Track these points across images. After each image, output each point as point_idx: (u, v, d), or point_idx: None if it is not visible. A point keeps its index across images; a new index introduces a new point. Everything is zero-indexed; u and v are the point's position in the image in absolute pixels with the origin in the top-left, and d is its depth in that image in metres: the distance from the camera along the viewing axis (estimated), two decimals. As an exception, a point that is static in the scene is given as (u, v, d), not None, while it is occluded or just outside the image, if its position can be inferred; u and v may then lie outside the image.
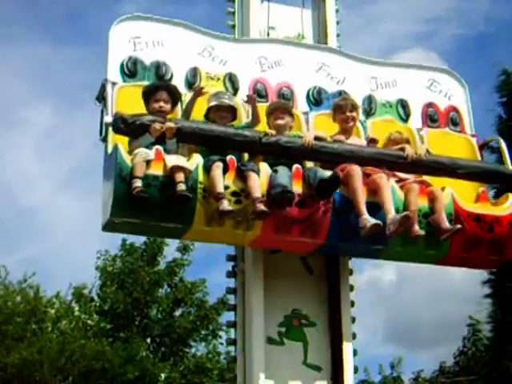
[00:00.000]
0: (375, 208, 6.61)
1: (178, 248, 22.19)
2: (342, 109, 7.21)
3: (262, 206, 6.30)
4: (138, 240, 22.03)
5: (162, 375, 19.67)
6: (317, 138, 6.81)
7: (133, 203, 6.18)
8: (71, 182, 42.63)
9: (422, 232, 6.70)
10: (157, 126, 6.39)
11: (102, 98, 6.94)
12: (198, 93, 6.87)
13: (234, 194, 6.42)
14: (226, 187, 6.40)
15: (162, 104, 6.73)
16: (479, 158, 7.88)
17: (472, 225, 7.02)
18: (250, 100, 6.98)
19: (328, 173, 6.58)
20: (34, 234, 36.61)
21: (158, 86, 6.82)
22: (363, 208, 6.49)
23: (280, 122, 7.00)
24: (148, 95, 6.77)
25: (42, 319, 19.01)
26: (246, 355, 7.13)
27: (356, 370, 7.36)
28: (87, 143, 39.52)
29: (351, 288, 7.50)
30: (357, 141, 7.21)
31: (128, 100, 6.96)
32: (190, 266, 22.20)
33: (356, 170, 6.68)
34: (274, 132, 6.76)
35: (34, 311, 18.83)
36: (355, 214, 6.62)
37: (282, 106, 7.17)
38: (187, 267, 22.17)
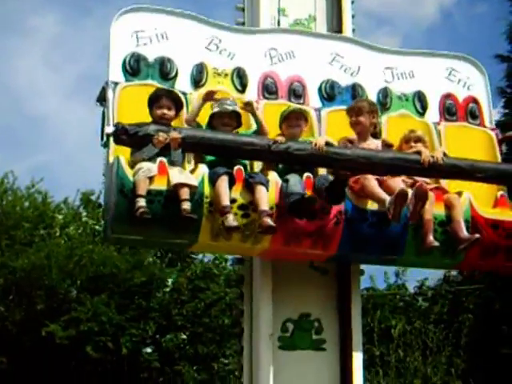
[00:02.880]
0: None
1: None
2: (350, 113, 6.86)
3: (269, 221, 6.01)
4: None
5: (169, 280, 19.55)
6: (328, 144, 6.48)
7: (135, 220, 5.86)
8: (80, 91, 42.36)
9: (437, 243, 6.42)
10: (160, 137, 6.07)
11: (103, 100, 6.62)
12: (208, 97, 6.53)
13: (241, 207, 6.13)
14: (233, 200, 6.11)
15: (165, 111, 6.41)
16: (498, 153, 7.55)
17: (489, 232, 6.72)
18: (247, 108, 6.63)
19: None
20: (42, 142, 36.66)
21: (160, 94, 6.47)
22: (385, 195, 6.24)
23: (294, 130, 6.68)
24: (151, 102, 6.45)
25: (50, 224, 19.01)
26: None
27: (362, 272, 7.26)
28: (95, 51, 39.08)
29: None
30: (374, 144, 6.86)
31: (131, 101, 6.63)
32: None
33: (370, 178, 6.42)
34: (283, 139, 6.40)
35: (42, 216, 18.84)
36: (368, 224, 6.38)
37: (297, 112, 6.78)
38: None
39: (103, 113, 6.61)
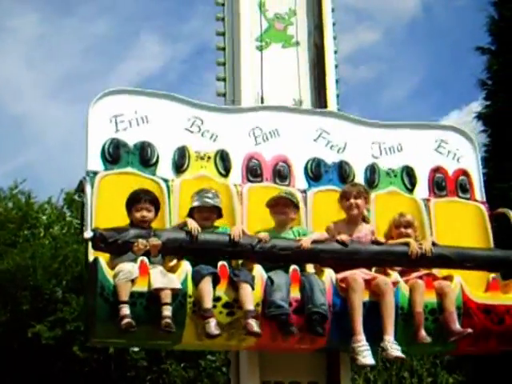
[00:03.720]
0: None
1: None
2: (346, 195, 6.67)
3: (254, 326, 5.83)
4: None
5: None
6: (315, 242, 6.30)
7: (123, 330, 5.63)
8: (61, 90, 42.23)
9: (429, 339, 6.26)
10: (140, 245, 5.86)
11: (81, 191, 6.41)
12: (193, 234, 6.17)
13: (226, 305, 5.92)
14: (218, 298, 5.92)
15: (144, 213, 6.21)
16: (489, 227, 7.39)
17: (481, 317, 6.56)
18: None
19: (321, 284, 6.11)
20: (24, 142, 36.46)
21: (138, 196, 6.27)
22: (359, 327, 6.07)
23: (281, 217, 6.51)
24: (130, 204, 6.25)
25: (34, 225, 18.64)
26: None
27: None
28: (76, 50, 38.97)
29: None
30: (365, 229, 6.68)
31: (111, 190, 6.47)
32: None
33: (358, 283, 6.20)
34: (267, 237, 6.21)
35: (25, 217, 18.45)
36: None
37: (286, 199, 6.56)
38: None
39: (82, 205, 6.38)
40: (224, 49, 7.94)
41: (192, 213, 6.40)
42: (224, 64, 7.87)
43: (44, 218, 19.13)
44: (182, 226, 6.19)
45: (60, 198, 19.56)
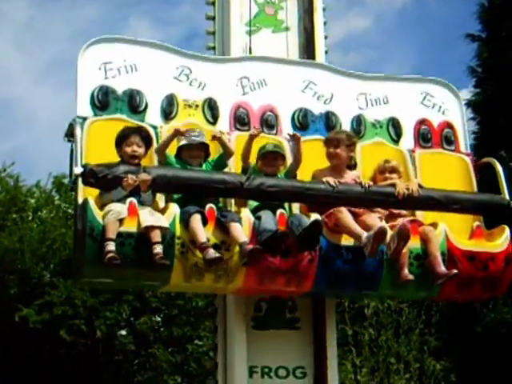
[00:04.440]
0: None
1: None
2: (327, 144, 6.75)
3: (250, 246, 5.93)
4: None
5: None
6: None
7: (105, 264, 5.74)
8: (51, 74, 42.06)
9: (412, 277, 6.35)
10: (129, 180, 5.91)
11: (71, 136, 6.45)
12: (177, 133, 6.38)
13: (214, 247, 5.97)
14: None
15: (135, 148, 6.25)
16: (474, 179, 7.47)
17: (466, 264, 6.65)
18: (216, 139, 6.50)
19: (308, 221, 6.16)
20: (13, 126, 36.31)
21: (129, 132, 6.32)
22: (360, 230, 6.19)
23: (271, 169, 6.58)
24: (120, 140, 6.28)
25: (22, 208, 18.74)
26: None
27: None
28: (65, 35, 38.79)
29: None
30: (349, 176, 6.74)
31: (100, 136, 6.47)
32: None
33: (344, 211, 6.32)
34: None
35: (14, 200, 18.56)
36: (343, 261, 6.31)
37: (275, 152, 6.65)
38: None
39: (71, 149, 6.43)
40: (214, 33, 7.90)
41: (179, 153, 6.47)
42: (214, 48, 7.82)
43: (32, 201, 19.24)
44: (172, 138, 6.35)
45: (48, 182, 19.67)
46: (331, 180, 6.43)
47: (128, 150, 6.25)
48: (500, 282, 6.87)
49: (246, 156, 6.54)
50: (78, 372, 16.99)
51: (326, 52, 7.73)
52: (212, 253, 5.86)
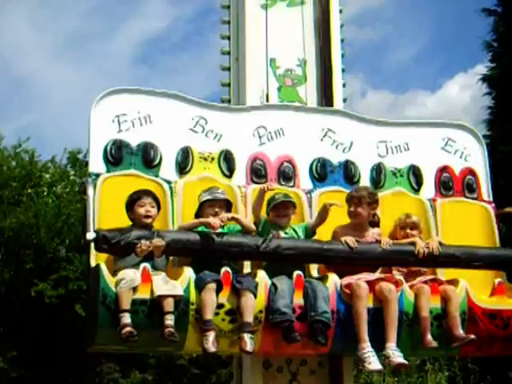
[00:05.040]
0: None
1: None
2: (348, 201, 6.58)
3: (247, 345, 5.78)
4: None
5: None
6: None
7: (123, 340, 5.53)
8: (66, 50, 42.05)
9: (435, 344, 6.20)
10: (143, 246, 5.78)
11: (84, 193, 6.34)
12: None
13: (229, 312, 5.86)
14: (221, 305, 5.86)
15: (148, 208, 6.14)
16: (495, 228, 7.30)
17: (487, 322, 6.50)
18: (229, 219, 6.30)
19: (325, 291, 6.05)
20: (29, 103, 36.35)
21: (139, 194, 6.20)
22: (364, 335, 6.03)
23: (283, 220, 6.45)
24: (131, 203, 6.17)
25: (37, 183, 18.45)
26: None
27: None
28: (79, 10, 38.72)
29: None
30: (371, 234, 6.59)
31: (113, 193, 6.36)
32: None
33: (362, 289, 6.13)
34: (280, 234, 6.26)
35: (29, 176, 18.32)
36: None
37: (286, 202, 6.49)
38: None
39: (84, 208, 6.31)
40: (229, 7, 7.92)
41: (200, 210, 6.35)
42: (229, 22, 7.83)
43: (47, 176, 18.97)
44: (197, 225, 6.14)
45: (64, 158, 19.44)
46: (350, 241, 6.27)
47: (141, 210, 6.13)
48: (521, 340, 6.69)
49: (257, 210, 6.42)
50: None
51: (345, 100, 7.55)
52: (210, 344, 5.69)
